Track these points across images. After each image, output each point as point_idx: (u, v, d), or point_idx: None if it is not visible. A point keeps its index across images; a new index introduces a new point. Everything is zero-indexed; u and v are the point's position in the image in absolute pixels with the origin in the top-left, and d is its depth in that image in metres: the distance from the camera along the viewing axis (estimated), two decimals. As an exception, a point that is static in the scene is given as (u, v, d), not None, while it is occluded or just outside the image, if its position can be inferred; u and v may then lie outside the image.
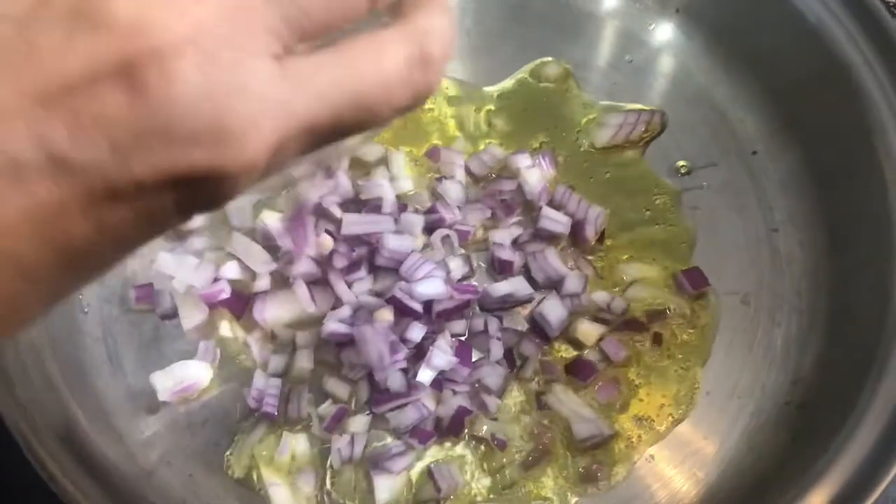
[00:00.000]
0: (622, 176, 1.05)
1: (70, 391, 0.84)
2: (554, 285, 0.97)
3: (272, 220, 0.97)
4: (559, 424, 0.91)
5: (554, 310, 0.95)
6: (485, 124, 1.08)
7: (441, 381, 0.90)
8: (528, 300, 0.96)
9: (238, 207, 0.99)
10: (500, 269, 0.98)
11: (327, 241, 0.94)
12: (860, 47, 0.94)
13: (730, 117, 1.08)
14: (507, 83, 1.10)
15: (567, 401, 0.91)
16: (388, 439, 0.89)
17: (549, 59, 1.10)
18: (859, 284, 0.93)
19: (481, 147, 1.06)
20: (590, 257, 1.00)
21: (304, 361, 0.92)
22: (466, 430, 0.90)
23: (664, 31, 1.13)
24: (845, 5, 0.95)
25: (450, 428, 0.89)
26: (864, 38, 0.94)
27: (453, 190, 1.01)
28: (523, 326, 0.96)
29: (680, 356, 0.95)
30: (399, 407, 0.88)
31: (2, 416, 0.71)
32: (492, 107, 1.08)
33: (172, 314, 0.95)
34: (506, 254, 0.97)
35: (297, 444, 0.88)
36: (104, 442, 0.83)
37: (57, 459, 0.73)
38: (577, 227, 0.99)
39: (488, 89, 1.09)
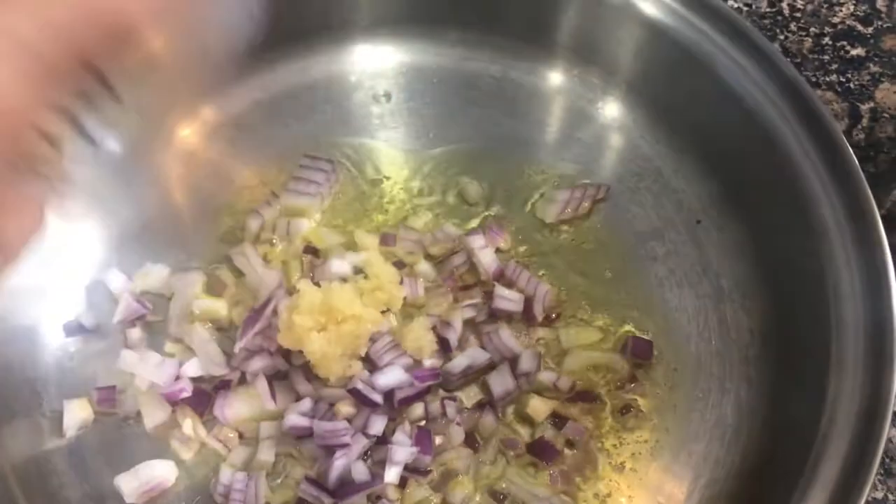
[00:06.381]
0: (570, 247, 1.08)
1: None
2: (508, 363, 0.99)
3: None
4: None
5: (501, 382, 0.97)
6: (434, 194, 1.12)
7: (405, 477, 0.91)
8: (490, 367, 0.98)
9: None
10: (441, 346, 0.99)
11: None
12: (792, 126, 0.98)
13: (674, 187, 1.11)
14: (458, 158, 1.14)
15: (523, 483, 0.93)
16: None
17: (470, 179, 1.12)
18: (805, 351, 0.95)
19: (425, 217, 1.09)
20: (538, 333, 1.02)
21: (265, 454, 0.93)
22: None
23: (610, 108, 1.17)
24: (777, 87, 1.00)
25: None
26: (794, 118, 0.98)
27: (424, 268, 1.05)
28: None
29: (633, 427, 0.97)
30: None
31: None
32: (441, 179, 1.13)
33: (135, 415, 0.96)
34: (445, 331, 0.99)
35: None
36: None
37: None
38: (526, 304, 1.02)
39: (436, 159, 1.14)
